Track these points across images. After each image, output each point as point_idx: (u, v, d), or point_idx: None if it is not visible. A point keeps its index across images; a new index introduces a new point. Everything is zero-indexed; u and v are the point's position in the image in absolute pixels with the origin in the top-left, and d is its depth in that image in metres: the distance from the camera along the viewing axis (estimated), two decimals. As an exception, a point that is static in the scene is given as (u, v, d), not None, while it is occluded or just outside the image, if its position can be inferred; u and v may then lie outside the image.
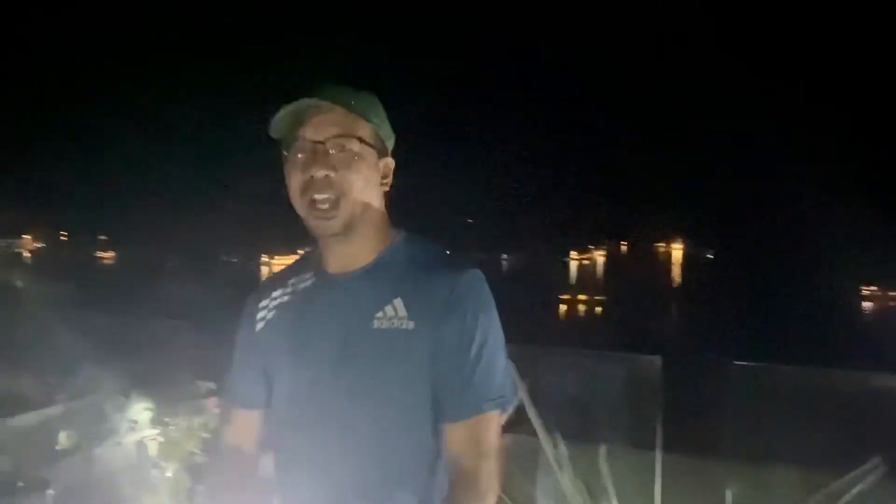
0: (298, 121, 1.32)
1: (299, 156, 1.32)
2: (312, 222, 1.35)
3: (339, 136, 1.31)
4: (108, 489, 3.58)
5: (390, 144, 1.41)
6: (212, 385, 3.30)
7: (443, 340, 1.30)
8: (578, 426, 2.63)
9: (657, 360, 2.72)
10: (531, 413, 2.46)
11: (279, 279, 1.48)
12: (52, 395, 4.14)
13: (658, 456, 2.57)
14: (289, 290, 1.43)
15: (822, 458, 2.41)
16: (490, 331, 1.32)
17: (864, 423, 2.65)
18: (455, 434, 1.30)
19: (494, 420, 1.32)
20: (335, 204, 1.31)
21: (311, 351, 1.35)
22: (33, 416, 4.08)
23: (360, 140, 1.33)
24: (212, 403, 3.27)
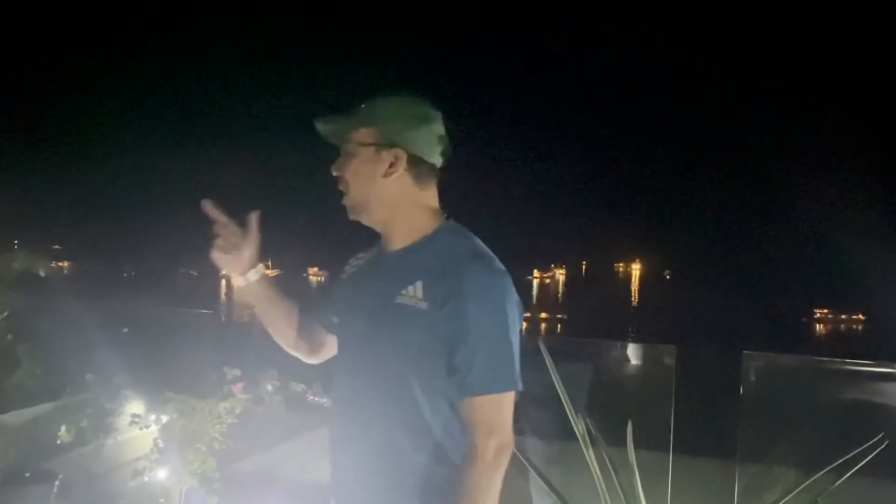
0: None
1: None
2: None
3: (344, 142, 1.63)
4: (117, 481, 3.63)
5: (400, 137, 1.58)
6: (237, 372, 3.39)
7: (453, 326, 1.46)
8: (601, 407, 2.82)
9: (673, 349, 2.96)
10: (561, 393, 2.64)
11: (362, 252, 1.78)
12: (61, 389, 4.16)
13: (671, 436, 2.78)
14: (360, 261, 1.76)
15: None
16: (496, 323, 1.47)
17: (870, 412, 2.91)
18: (465, 409, 1.47)
19: (502, 400, 1.46)
20: (345, 194, 1.64)
21: (355, 312, 1.65)
22: (40, 408, 4.10)
23: (359, 143, 1.60)
24: (237, 389, 3.36)
